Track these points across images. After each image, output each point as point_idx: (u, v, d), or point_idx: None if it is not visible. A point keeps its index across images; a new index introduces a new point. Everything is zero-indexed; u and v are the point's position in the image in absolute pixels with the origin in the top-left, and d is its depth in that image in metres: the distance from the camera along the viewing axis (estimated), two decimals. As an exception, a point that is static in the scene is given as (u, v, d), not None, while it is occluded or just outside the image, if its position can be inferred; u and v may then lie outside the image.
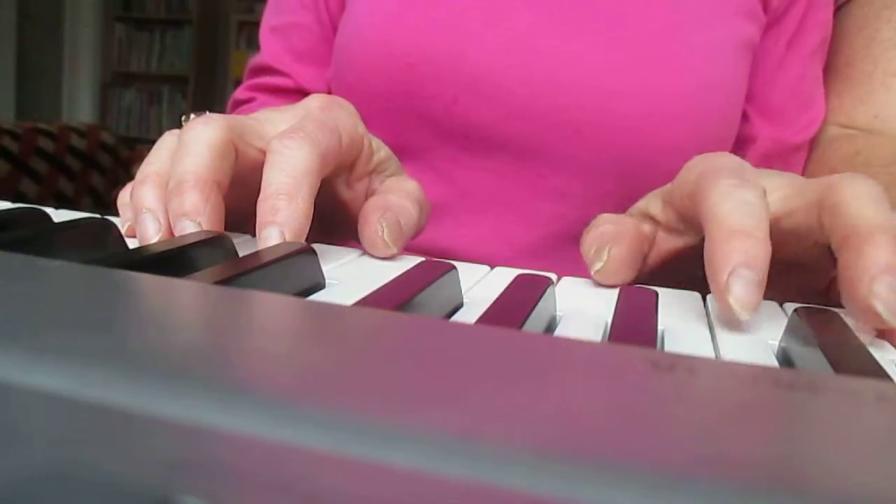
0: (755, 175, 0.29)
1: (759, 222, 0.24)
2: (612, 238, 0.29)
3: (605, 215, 0.33)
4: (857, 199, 0.25)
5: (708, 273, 0.24)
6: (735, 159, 0.30)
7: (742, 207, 0.25)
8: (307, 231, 0.28)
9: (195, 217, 0.27)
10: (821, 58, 0.53)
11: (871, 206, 0.25)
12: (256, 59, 0.58)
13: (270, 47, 0.57)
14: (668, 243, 0.33)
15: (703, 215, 0.26)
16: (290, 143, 0.29)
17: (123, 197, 0.33)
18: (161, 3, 3.91)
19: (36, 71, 3.83)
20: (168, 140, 0.33)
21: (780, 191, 0.29)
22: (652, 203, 0.34)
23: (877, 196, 0.25)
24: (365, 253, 0.31)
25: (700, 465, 0.09)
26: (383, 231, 0.30)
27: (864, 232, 0.24)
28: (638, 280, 0.31)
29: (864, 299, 0.23)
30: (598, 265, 0.28)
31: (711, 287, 0.24)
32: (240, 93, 0.59)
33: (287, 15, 0.56)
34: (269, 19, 0.58)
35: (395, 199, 0.33)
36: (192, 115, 0.41)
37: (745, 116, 0.52)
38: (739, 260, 0.23)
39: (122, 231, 0.31)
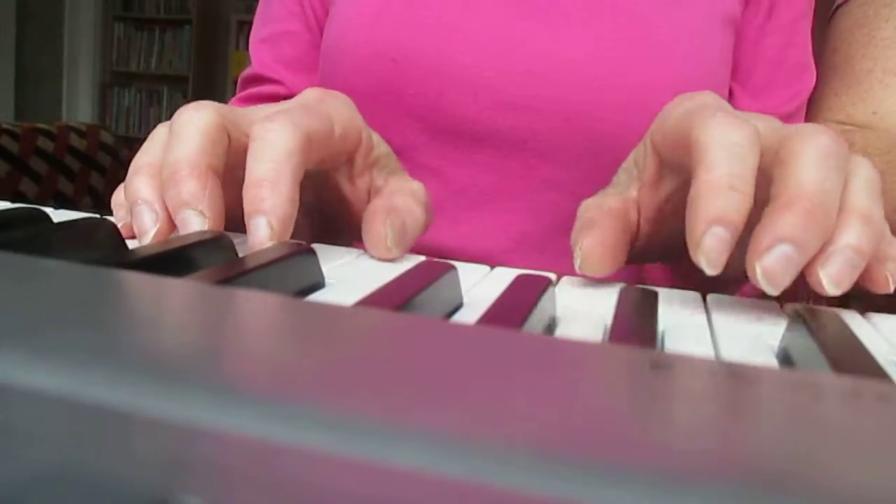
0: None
1: (747, 172, 0.25)
2: (583, 227, 0.29)
3: (587, 202, 0.33)
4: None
5: (686, 219, 0.25)
6: (715, 97, 0.30)
7: (733, 158, 0.25)
8: (295, 215, 0.27)
9: (196, 205, 0.27)
10: (807, 24, 0.52)
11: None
12: (247, 71, 0.58)
13: (261, 57, 0.57)
14: (655, 199, 0.32)
15: (696, 149, 0.26)
16: (271, 125, 0.28)
17: (117, 197, 0.32)
18: (161, 2, 3.91)
19: (35, 71, 3.83)
20: (160, 132, 0.32)
21: None
22: (638, 155, 0.34)
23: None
24: (365, 253, 0.31)
25: (699, 465, 0.09)
26: (388, 235, 0.30)
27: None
28: (639, 254, 0.31)
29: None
30: (577, 262, 0.28)
31: (687, 234, 0.24)
32: (232, 104, 0.59)
33: (276, 24, 0.56)
34: (258, 31, 0.58)
35: (400, 201, 0.32)
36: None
37: (730, 93, 0.51)
38: (715, 216, 0.24)
39: None
